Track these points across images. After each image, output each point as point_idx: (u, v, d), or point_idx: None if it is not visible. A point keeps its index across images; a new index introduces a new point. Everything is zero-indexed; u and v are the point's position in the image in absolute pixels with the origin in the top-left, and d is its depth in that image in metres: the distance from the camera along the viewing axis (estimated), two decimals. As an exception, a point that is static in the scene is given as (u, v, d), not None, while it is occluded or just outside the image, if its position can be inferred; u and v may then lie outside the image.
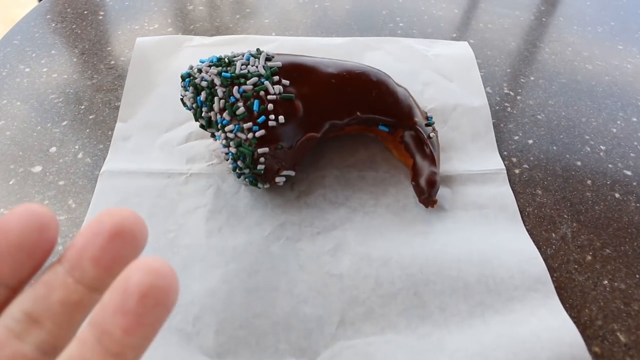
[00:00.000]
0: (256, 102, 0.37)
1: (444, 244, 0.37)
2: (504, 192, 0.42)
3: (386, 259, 0.36)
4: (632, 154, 0.47)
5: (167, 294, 0.16)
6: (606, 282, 0.37)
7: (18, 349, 0.16)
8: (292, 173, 0.39)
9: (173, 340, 0.32)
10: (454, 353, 0.32)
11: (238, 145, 0.37)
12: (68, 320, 0.17)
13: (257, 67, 0.39)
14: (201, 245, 0.37)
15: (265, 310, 0.34)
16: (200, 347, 0.32)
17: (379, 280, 0.35)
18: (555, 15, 0.67)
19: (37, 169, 0.43)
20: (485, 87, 0.53)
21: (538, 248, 0.39)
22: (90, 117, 0.47)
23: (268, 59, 0.40)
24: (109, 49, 0.56)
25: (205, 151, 0.43)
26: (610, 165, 0.46)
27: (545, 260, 0.38)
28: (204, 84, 0.38)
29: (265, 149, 0.36)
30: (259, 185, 0.39)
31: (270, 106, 0.37)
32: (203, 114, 0.39)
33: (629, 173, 0.45)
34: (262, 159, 0.37)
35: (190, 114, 0.46)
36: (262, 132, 0.36)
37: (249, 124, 0.36)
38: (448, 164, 0.44)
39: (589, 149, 0.48)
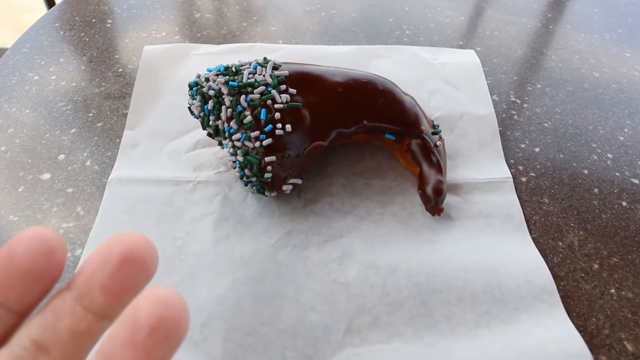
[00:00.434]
0: (263, 111, 0.37)
1: (450, 253, 0.38)
2: (511, 201, 0.42)
3: (393, 268, 0.36)
4: (639, 162, 0.47)
5: (178, 325, 0.16)
6: (613, 290, 0.37)
7: None
8: (299, 181, 0.39)
9: (181, 347, 0.32)
10: None
11: (245, 154, 0.37)
12: (76, 348, 0.17)
13: (264, 76, 0.39)
14: (209, 253, 0.37)
15: (273, 318, 0.34)
16: (208, 354, 0.32)
17: (386, 289, 0.35)
18: (562, 22, 0.67)
19: (46, 176, 0.43)
20: (491, 95, 0.53)
21: (545, 256, 0.39)
22: (99, 124, 0.48)
23: (275, 67, 0.40)
24: (116, 56, 0.56)
25: (213, 159, 0.44)
26: (617, 174, 0.46)
27: (551, 268, 0.38)
28: (211, 92, 0.38)
29: (273, 158, 0.36)
30: (266, 193, 0.39)
31: (277, 115, 0.37)
32: (210, 123, 0.39)
33: (636, 181, 0.45)
34: (269, 168, 0.37)
35: (197, 122, 0.47)
36: (269, 140, 0.36)
37: (256, 133, 0.36)
38: (455, 172, 0.44)
39: (596, 157, 0.48)
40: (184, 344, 0.32)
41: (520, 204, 0.42)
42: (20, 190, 0.42)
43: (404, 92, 0.44)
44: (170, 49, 0.55)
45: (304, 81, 0.40)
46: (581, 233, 0.41)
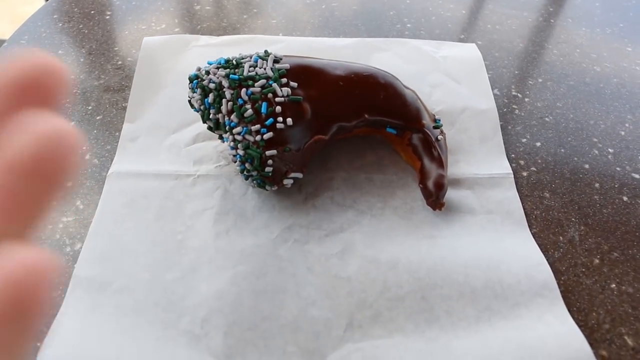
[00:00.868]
0: (264, 104, 0.37)
1: (451, 249, 0.37)
2: (511, 197, 0.42)
3: (394, 263, 0.36)
4: (640, 157, 0.47)
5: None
6: (614, 285, 0.37)
7: None
8: (300, 175, 0.39)
9: (182, 342, 0.32)
10: (461, 357, 0.32)
11: (246, 148, 0.37)
12: None
13: (265, 69, 0.39)
14: (209, 248, 0.37)
15: (273, 313, 0.34)
16: (209, 349, 0.32)
17: (387, 284, 0.35)
18: (563, 16, 0.67)
19: (45, 169, 0.43)
20: (493, 89, 0.53)
21: (545, 251, 0.39)
22: (98, 117, 0.47)
23: (276, 61, 0.40)
24: (116, 49, 0.56)
25: (213, 152, 0.44)
26: (618, 168, 0.46)
27: (552, 263, 0.38)
28: (211, 86, 0.38)
29: (273, 152, 0.36)
30: (267, 187, 0.39)
31: (278, 108, 0.37)
32: (211, 116, 0.39)
33: (637, 176, 0.45)
34: (269, 161, 0.37)
35: (197, 115, 0.46)
36: (270, 134, 0.36)
37: (257, 127, 0.36)
38: (456, 167, 0.44)
39: (597, 151, 0.47)
40: (185, 339, 0.32)
41: (521, 198, 0.42)
42: (19, 183, 0.41)
43: (405, 86, 0.43)
44: (170, 40, 0.54)
45: (305, 74, 0.39)
46: (582, 228, 0.41)
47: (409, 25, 0.62)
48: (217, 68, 0.39)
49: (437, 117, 0.46)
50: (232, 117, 0.37)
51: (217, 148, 0.44)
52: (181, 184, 0.41)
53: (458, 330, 0.33)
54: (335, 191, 0.41)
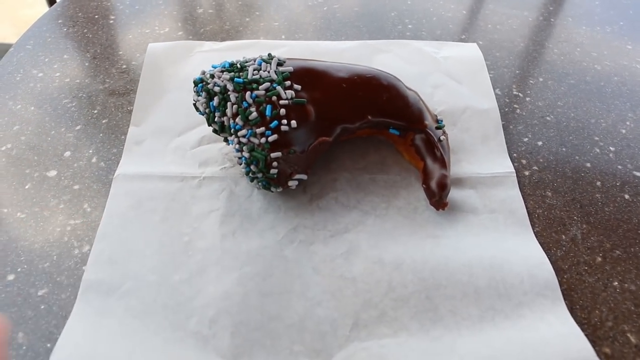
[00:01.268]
0: (269, 107, 0.37)
1: (454, 249, 0.38)
2: (513, 196, 0.42)
3: (398, 263, 0.37)
4: (641, 155, 0.48)
5: None
6: (616, 283, 0.38)
7: None
8: (305, 177, 0.39)
9: (190, 343, 0.33)
10: (464, 356, 0.32)
11: (251, 150, 0.37)
12: None
13: (269, 72, 0.39)
14: (216, 249, 0.37)
15: (280, 313, 0.34)
16: (217, 349, 0.32)
17: (392, 284, 0.36)
18: (563, 15, 0.67)
19: (52, 173, 0.43)
20: (494, 89, 0.54)
21: (548, 250, 0.39)
22: (104, 121, 0.48)
23: (279, 64, 0.40)
24: (120, 53, 0.56)
25: (218, 155, 0.44)
26: (619, 167, 0.46)
27: (555, 262, 0.38)
28: (216, 89, 0.38)
29: (278, 154, 0.37)
30: (272, 189, 0.39)
31: (282, 111, 0.37)
32: (216, 119, 0.39)
33: (638, 174, 0.46)
34: (274, 163, 0.37)
35: (202, 118, 0.47)
36: (274, 136, 0.37)
37: (262, 129, 0.37)
38: (458, 167, 0.44)
39: (598, 150, 0.48)
40: (193, 340, 0.33)
41: (524, 197, 0.43)
42: (27, 187, 0.42)
43: (407, 87, 0.44)
44: (174, 46, 0.55)
45: (308, 77, 0.40)
46: (584, 226, 0.41)
47: (410, 26, 0.63)
48: (222, 71, 0.39)
49: (439, 117, 0.46)
50: (237, 119, 0.38)
51: (222, 150, 0.44)
52: (187, 186, 0.42)
53: (462, 330, 0.34)
54: (339, 192, 0.42)
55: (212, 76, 0.39)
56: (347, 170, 0.43)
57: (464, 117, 0.48)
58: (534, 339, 0.33)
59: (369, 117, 0.41)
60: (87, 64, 0.55)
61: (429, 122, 0.43)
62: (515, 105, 0.52)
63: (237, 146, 0.38)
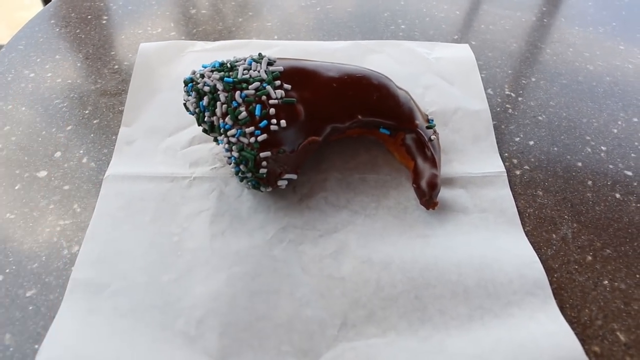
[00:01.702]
0: (258, 106, 0.37)
1: (444, 248, 0.38)
2: (504, 196, 0.42)
3: (387, 263, 0.37)
4: (632, 155, 0.47)
5: None
6: (606, 282, 0.38)
7: None
8: (294, 176, 0.39)
9: (177, 343, 0.32)
10: (453, 356, 0.32)
11: (240, 150, 0.37)
12: None
13: (259, 71, 0.39)
14: (205, 249, 0.37)
15: (268, 313, 0.34)
16: (204, 349, 0.32)
17: (380, 284, 0.36)
18: (556, 15, 0.67)
19: (43, 173, 0.43)
20: (486, 89, 0.54)
21: (538, 249, 0.39)
22: (95, 121, 0.48)
23: (270, 63, 0.40)
24: (112, 53, 0.56)
25: (209, 155, 0.44)
26: (611, 166, 0.46)
27: (545, 261, 0.38)
28: (206, 89, 0.38)
29: (268, 153, 0.37)
30: (262, 188, 0.39)
31: (272, 111, 0.37)
32: (206, 119, 0.39)
33: (629, 173, 0.46)
34: (264, 163, 0.37)
35: (193, 118, 0.47)
36: (264, 136, 0.37)
37: (251, 129, 0.37)
38: (449, 167, 0.44)
39: (589, 149, 0.48)
40: (180, 340, 0.33)
41: (515, 197, 0.43)
42: (16, 188, 0.42)
43: (398, 87, 0.44)
44: (166, 46, 0.55)
45: (298, 76, 0.40)
46: (575, 225, 0.41)
47: (403, 26, 0.63)
48: (212, 71, 0.39)
49: (430, 117, 0.46)
50: (227, 119, 0.38)
51: (212, 150, 0.44)
52: (177, 186, 0.41)
53: (451, 329, 0.34)
54: (329, 192, 0.42)
55: (202, 76, 0.39)
56: (337, 170, 0.43)
57: (455, 117, 0.48)
58: (523, 337, 0.33)
59: (359, 116, 0.41)
60: (79, 64, 0.54)
61: (420, 121, 0.43)
62: (507, 105, 0.52)
63: (226, 146, 0.38)
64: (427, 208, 0.40)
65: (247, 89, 0.38)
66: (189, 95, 0.40)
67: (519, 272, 0.37)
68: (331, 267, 0.37)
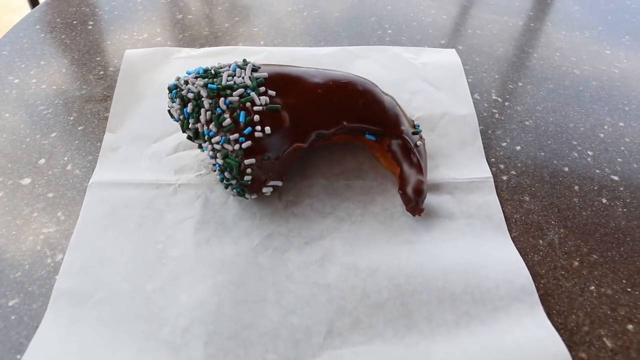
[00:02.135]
0: (242, 113, 0.37)
1: (430, 254, 0.38)
2: (491, 201, 0.42)
3: (373, 269, 0.36)
4: (619, 159, 0.48)
5: None
6: (593, 287, 0.38)
7: None
8: (279, 183, 0.39)
9: (162, 352, 0.32)
10: None
11: (225, 157, 0.37)
12: None
13: (243, 78, 0.39)
14: (190, 257, 0.37)
15: (254, 322, 0.34)
16: (189, 358, 0.32)
17: (366, 291, 0.35)
18: (543, 20, 0.68)
19: (26, 181, 0.43)
20: (473, 94, 0.54)
21: (525, 255, 0.39)
22: (80, 128, 0.47)
23: (254, 69, 0.40)
24: (98, 59, 0.56)
25: (194, 162, 0.44)
26: (597, 171, 0.46)
27: (532, 267, 0.38)
28: (190, 95, 0.38)
29: (252, 160, 0.36)
30: (247, 195, 0.39)
31: (256, 117, 0.37)
32: (190, 126, 0.39)
33: (616, 178, 0.46)
34: (248, 170, 0.37)
35: (178, 124, 0.46)
36: (248, 143, 0.36)
37: (236, 136, 0.36)
38: (435, 172, 0.44)
39: (576, 154, 0.48)
40: (165, 350, 0.32)
41: (501, 202, 0.43)
42: (0, 195, 0.41)
43: (384, 93, 0.44)
44: (152, 52, 0.55)
45: (283, 83, 0.40)
46: (562, 231, 0.41)
47: (389, 31, 0.63)
48: (196, 78, 0.39)
49: (416, 123, 0.46)
50: (211, 126, 0.37)
51: (197, 157, 0.44)
52: (162, 193, 0.41)
53: (437, 336, 0.33)
54: (314, 198, 0.41)
55: (186, 82, 0.39)
56: (323, 177, 0.43)
57: (442, 123, 0.48)
58: (509, 344, 0.33)
59: (345, 122, 0.40)
60: (64, 70, 0.54)
61: (406, 127, 0.42)
62: (494, 110, 0.52)
63: (211, 153, 0.38)
64: (414, 214, 0.40)
65: (231, 95, 0.38)
66: (173, 102, 0.40)
67: (506, 278, 0.36)
68: (317, 275, 0.36)
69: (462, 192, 0.42)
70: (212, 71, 0.39)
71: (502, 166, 0.46)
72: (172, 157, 0.44)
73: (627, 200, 0.44)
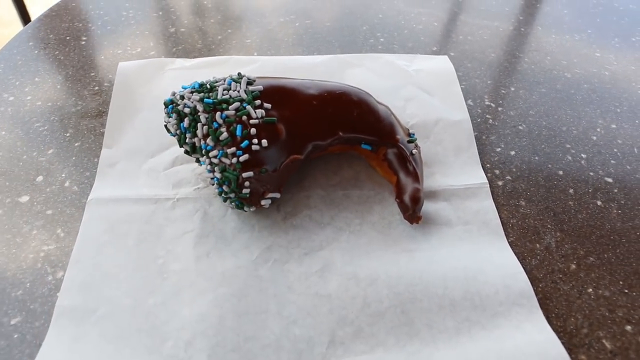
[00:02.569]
0: (239, 127, 0.37)
1: (429, 262, 0.38)
2: (487, 207, 0.42)
3: (373, 279, 0.37)
4: (612, 161, 0.48)
5: None
6: (591, 290, 0.38)
7: None
8: (278, 195, 0.39)
9: (165, 368, 0.32)
10: None
11: (223, 170, 0.37)
12: None
13: (238, 91, 0.39)
14: (190, 271, 0.37)
15: (256, 333, 0.34)
16: (192, 373, 0.32)
17: (367, 300, 0.36)
18: (533, 25, 0.68)
19: (25, 198, 0.43)
20: (466, 100, 0.54)
21: (523, 259, 0.40)
22: (76, 144, 0.48)
23: (249, 83, 0.40)
24: (92, 74, 0.56)
25: (191, 175, 0.44)
26: (591, 173, 0.47)
27: (530, 271, 0.39)
28: (186, 110, 0.38)
29: (250, 173, 0.37)
30: (245, 208, 0.39)
31: (253, 130, 0.37)
32: (187, 140, 0.39)
33: (610, 180, 0.46)
34: (247, 183, 0.37)
35: (175, 138, 0.47)
36: (245, 156, 0.37)
37: (233, 149, 0.37)
38: (432, 179, 0.44)
39: (570, 157, 0.48)
40: (168, 364, 0.32)
41: (497, 207, 0.43)
42: (-2, 214, 0.42)
43: (378, 102, 0.44)
44: (145, 64, 0.55)
45: (278, 95, 0.40)
46: (558, 234, 0.42)
47: (382, 39, 0.63)
48: (192, 92, 0.39)
49: (411, 131, 0.46)
50: (208, 140, 0.38)
51: (195, 171, 0.44)
52: (161, 208, 0.41)
53: (438, 343, 0.34)
54: (313, 209, 0.42)
55: (182, 97, 0.39)
56: (321, 187, 0.43)
57: (437, 129, 0.48)
58: (510, 348, 0.33)
59: (340, 133, 0.41)
60: (59, 87, 0.54)
61: (401, 136, 0.43)
62: (487, 116, 0.52)
63: (208, 167, 0.38)
64: (411, 222, 0.40)
65: (228, 109, 0.38)
66: (169, 117, 0.40)
67: (505, 283, 0.37)
68: (317, 285, 0.37)
69: (459, 199, 0.43)
70: (208, 85, 0.40)
71: (497, 171, 0.46)
72: (169, 172, 0.44)
73: (622, 202, 0.44)
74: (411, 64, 0.56)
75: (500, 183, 0.45)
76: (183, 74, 0.54)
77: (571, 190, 0.45)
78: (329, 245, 0.39)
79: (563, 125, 0.52)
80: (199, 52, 0.60)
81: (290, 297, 0.36)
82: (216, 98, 0.38)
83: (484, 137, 0.50)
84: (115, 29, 0.64)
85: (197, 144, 0.39)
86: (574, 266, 0.39)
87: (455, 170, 0.45)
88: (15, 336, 0.34)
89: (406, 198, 0.40)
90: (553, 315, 0.36)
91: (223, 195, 0.39)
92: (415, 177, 0.41)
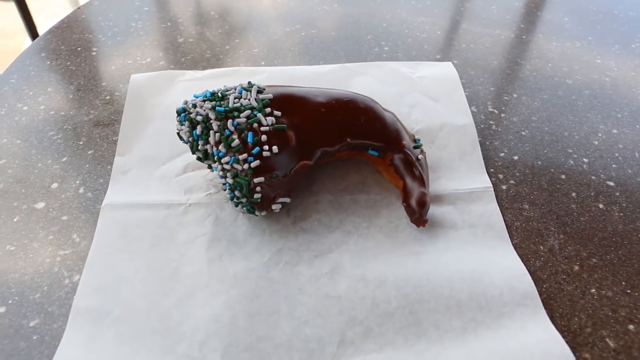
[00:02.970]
0: (250, 134, 0.38)
1: (436, 264, 0.39)
2: (492, 210, 0.43)
3: (382, 280, 0.38)
4: (613, 165, 0.49)
5: None
6: (594, 290, 0.39)
7: None
8: (288, 200, 0.40)
9: (181, 367, 0.33)
10: None
11: (234, 176, 0.38)
12: None
13: (249, 100, 0.40)
14: (203, 273, 0.38)
15: (268, 334, 0.35)
16: (207, 372, 0.33)
17: (376, 301, 0.37)
18: (534, 32, 0.69)
19: (40, 205, 0.44)
20: (470, 107, 0.55)
21: (527, 261, 0.40)
22: (89, 152, 0.49)
23: (259, 91, 0.42)
24: (103, 84, 0.57)
25: (203, 181, 0.45)
26: (593, 177, 0.48)
27: (534, 272, 0.40)
28: (199, 118, 0.40)
29: (261, 179, 0.38)
30: (256, 213, 0.40)
31: (263, 137, 0.38)
32: (199, 147, 0.40)
33: (611, 184, 0.47)
34: (258, 188, 0.38)
35: (186, 146, 0.48)
36: (257, 162, 0.38)
37: (244, 155, 0.38)
38: (437, 184, 0.45)
39: (572, 162, 0.49)
40: (184, 363, 0.33)
41: (502, 211, 0.44)
42: (15, 220, 0.43)
43: (384, 109, 0.45)
44: (157, 76, 0.56)
45: (288, 103, 0.41)
46: (561, 236, 0.43)
47: (386, 48, 0.64)
48: (204, 101, 0.40)
49: (416, 137, 0.47)
50: (220, 147, 0.39)
51: (206, 177, 0.45)
52: (173, 213, 0.42)
53: (445, 342, 0.35)
54: (322, 213, 0.43)
55: (194, 105, 0.40)
56: (329, 192, 0.44)
57: (441, 134, 0.49)
58: (515, 347, 0.34)
59: (348, 139, 0.42)
60: (71, 96, 0.55)
61: (407, 142, 0.44)
62: (490, 122, 0.53)
63: (220, 173, 0.39)
64: (418, 226, 0.41)
65: (239, 117, 0.39)
66: (182, 124, 0.41)
67: (509, 285, 0.38)
68: (327, 287, 0.38)
69: (464, 203, 0.44)
70: (219, 94, 0.41)
71: (501, 176, 0.47)
72: (181, 178, 0.45)
73: (623, 205, 0.45)
74: (415, 71, 0.57)
75: (504, 187, 0.46)
76: (193, 85, 0.55)
77: (574, 194, 0.46)
78: (338, 248, 0.40)
79: (565, 131, 0.53)
80: (207, 61, 0.61)
81: (301, 299, 0.37)
82: (228, 106, 0.40)
83: (487, 143, 0.51)
84: (124, 40, 0.65)
85: (209, 151, 0.40)
86: (577, 267, 0.40)
87: (460, 174, 0.46)
88: (34, 337, 0.35)
89: (413, 202, 0.41)
90: (557, 315, 0.37)
91: (235, 200, 0.40)
92: (422, 181, 0.42)
